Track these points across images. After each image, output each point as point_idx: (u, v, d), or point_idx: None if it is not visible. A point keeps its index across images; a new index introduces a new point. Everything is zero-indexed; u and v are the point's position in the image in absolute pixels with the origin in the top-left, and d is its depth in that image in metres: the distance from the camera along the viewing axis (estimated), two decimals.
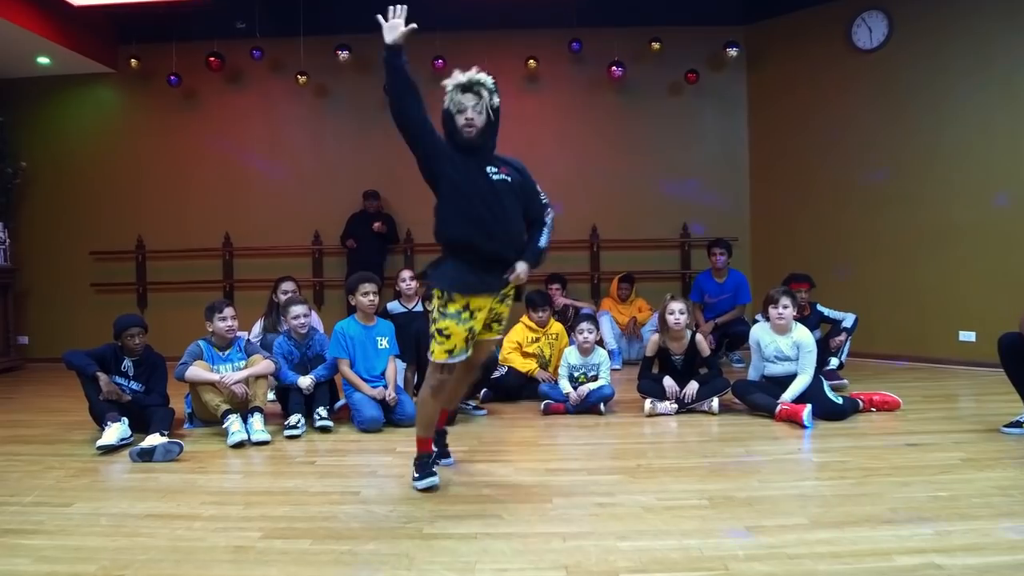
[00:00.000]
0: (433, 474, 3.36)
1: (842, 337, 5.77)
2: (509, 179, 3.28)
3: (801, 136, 7.67)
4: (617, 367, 6.70)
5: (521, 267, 3.23)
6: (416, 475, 3.36)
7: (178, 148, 8.27)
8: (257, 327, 5.75)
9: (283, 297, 5.60)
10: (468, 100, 3.18)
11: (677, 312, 4.94)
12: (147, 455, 3.95)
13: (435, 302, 3.29)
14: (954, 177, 6.63)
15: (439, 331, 3.23)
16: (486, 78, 3.19)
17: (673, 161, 8.06)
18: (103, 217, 8.26)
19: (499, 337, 3.56)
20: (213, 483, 3.58)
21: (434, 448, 3.51)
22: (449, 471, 3.67)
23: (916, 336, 6.90)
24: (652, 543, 2.70)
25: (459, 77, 3.18)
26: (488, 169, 3.25)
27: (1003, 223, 6.35)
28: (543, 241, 3.37)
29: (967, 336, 6.63)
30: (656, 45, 7.75)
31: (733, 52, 7.73)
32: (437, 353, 3.24)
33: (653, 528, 2.85)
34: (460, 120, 3.20)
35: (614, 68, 7.72)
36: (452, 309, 3.21)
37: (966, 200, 6.56)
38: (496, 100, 3.22)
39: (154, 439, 4.05)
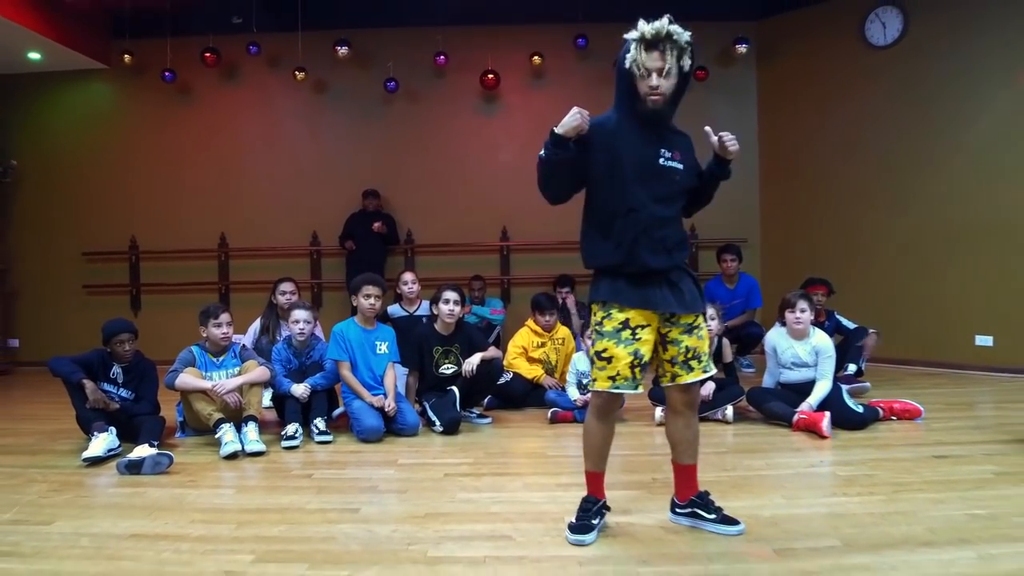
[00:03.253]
0: (590, 528, 2.74)
1: (869, 340, 5.62)
2: (682, 167, 2.75)
3: (813, 134, 7.48)
4: None
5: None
6: (572, 521, 2.79)
7: (173, 146, 8.08)
8: (253, 330, 5.54)
9: (281, 298, 5.40)
10: (654, 61, 2.55)
11: (708, 318, 4.73)
12: (135, 467, 3.74)
13: (593, 320, 2.78)
14: (973, 178, 6.44)
15: (597, 354, 2.71)
16: (680, 31, 2.55)
17: None
18: (96, 217, 8.07)
19: (706, 374, 2.82)
20: (203, 499, 3.37)
21: (603, 497, 2.86)
22: (455, 487, 3.47)
23: (933, 340, 6.70)
24: (675, 568, 2.50)
25: (644, 28, 2.54)
26: (662, 151, 2.70)
27: (1021, 225, 6.15)
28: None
29: (984, 340, 6.44)
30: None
31: (743, 48, 7.54)
32: (599, 381, 2.70)
33: (676, 551, 2.64)
34: (644, 87, 2.59)
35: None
36: (609, 327, 2.69)
37: (984, 201, 6.37)
38: (688, 61, 2.60)
39: (142, 450, 3.85)
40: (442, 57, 7.67)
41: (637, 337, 2.66)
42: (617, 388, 2.67)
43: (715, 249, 7.23)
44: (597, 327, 2.73)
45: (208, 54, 7.62)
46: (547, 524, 2.92)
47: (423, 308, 5.76)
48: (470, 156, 8.01)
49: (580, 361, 4.98)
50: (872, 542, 2.68)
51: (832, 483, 3.48)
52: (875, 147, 7.03)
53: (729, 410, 4.71)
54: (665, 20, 2.55)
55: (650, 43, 2.55)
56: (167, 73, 7.71)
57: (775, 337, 4.83)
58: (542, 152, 2.66)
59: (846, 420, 4.41)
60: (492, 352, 4.88)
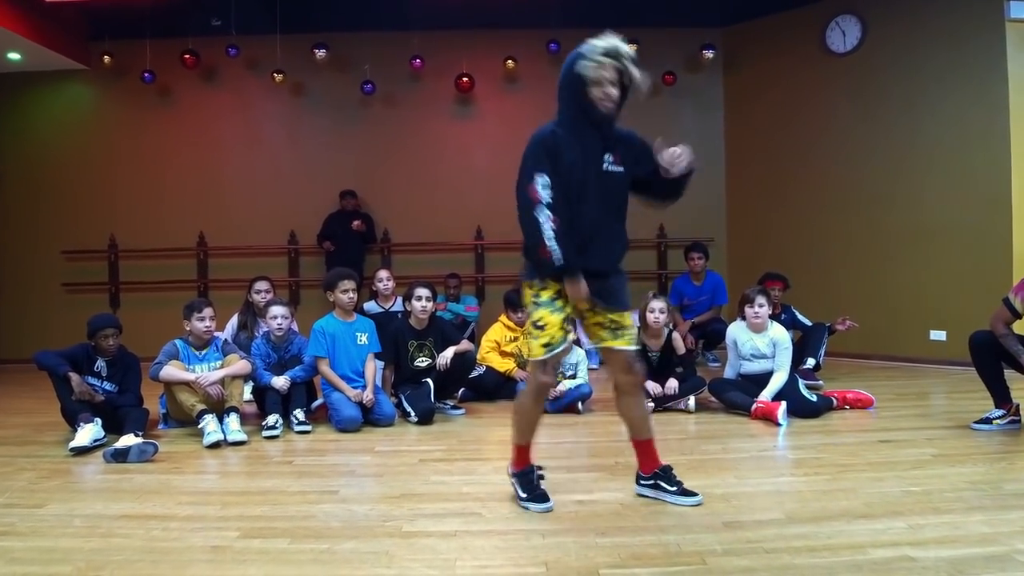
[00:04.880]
0: (545, 497, 3.04)
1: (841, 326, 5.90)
2: (623, 169, 2.96)
3: (776, 138, 7.76)
4: (594, 366, 6.70)
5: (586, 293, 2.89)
6: (522, 495, 3.07)
7: (152, 146, 8.19)
8: (230, 325, 5.69)
9: (257, 297, 5.55)
10: (611, 73, 2.80)
11: (657, 311, 4.99)
12: (121, 456, 3.89)
13: (527, 296, 3.01)
14: (927, 178, 6.74)
15: (534, 324, 2.95)
16: (627, 48, 2.84)
17: None
18: (75, 216, 8.16)
19: (631, 348, 3.06)
20: (189, 483, 3.54)
21: (533, 463, 3.15)
22: (428, 471, 3.67)
23: (889, 335, 6.99)
24: (631, 539, 2.71)
25: (601, 44, 2.81)
26: (605, 157, 2.91)
27: (974, 224, 6.46)
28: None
29: (938, 335, 6.74)
30: (633, 46, 7.72)
31: (710, 54, 7.81)
32: (535, 350, 2.95)
33: (632, 524, 2.86)
34: (597, 92, 2.82)
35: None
36: (545, 296, 2.93)
37: (938, 201, 6.67)
38: (635, 72, 2.84)
39: (128, 439, 4.00)
40: (418, 61, 7.84)
41: (565, 306, 2.95)
42: (551, 350, 2.93)
43: (682, 248, 7.48)
44: (534, 299, 2.97)
45: (187, 56, 7.74)
46: (514, 503, 3.12)
47: (398, 304, 5.94)
48: (445, 157, 8.20)
49: None
50: (813, 515, 2.91)
51: (782, 465, 3.73)
52: (834, 150, 7.32)
53: (691, 400, 4.95)
54: (617, 39, 2.83)
55: (607, 56, 2.80)
56: (146, 74, 7.82)
57: (735, 330, 5.07)
58: (551, 247, 2.77)
59: (801, 409, 4.66)
60: (465, 345, 5.08)
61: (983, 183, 6.42)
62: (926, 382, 6.03)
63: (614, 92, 2.82)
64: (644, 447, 3.18)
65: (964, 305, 6.47)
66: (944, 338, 6.69)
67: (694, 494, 3.08)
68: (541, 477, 3.14)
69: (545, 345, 2.94)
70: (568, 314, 2.96)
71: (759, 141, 7.93)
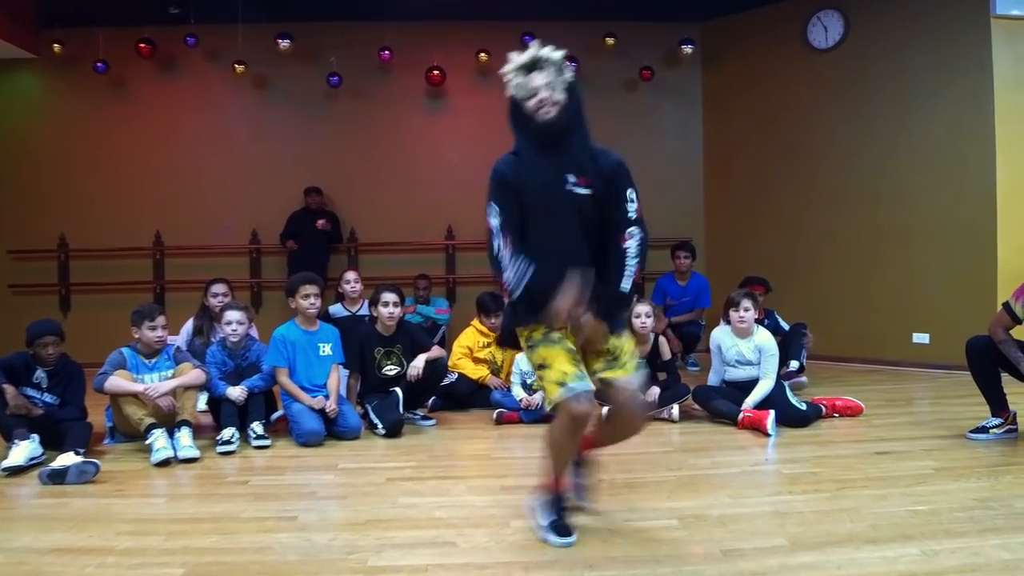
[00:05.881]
0: (570, 532, 2.69)
1: (807, 339, 5.67)
2: (590, 192, 2.65)
3: (756, 135, 7.57)
4: None
5: (586, 319, 2.56)
6: (543, 524, 2.74)
7: (105, 140, 7.76)
8: (185, 330, 5.34)
9: (213, 300, 5.21)
10: (537, 79, 2.59)
11: (643, 315, 4.75)
12: (59, 477, 3.55)
13: (523, 344, 2.72)
14: (911, 177, 6.58)
15: (537, 367, 2.64)
16: (552, 53, 2.63)
17: (627, 159, 7.83)
18: (22, 213, 7.69)
19: (632, 376, 2.73)
20: (132, 509, 3.21)
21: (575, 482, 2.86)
22: (397, 491, 3.37)
23: (872, 338, 6.83)
24: (624, 572, 2.45)
25: (518, 58, 2.63)
26: (567, 177, 2.63)
27: (959, 224, 6.31)
28: (625, 283, 2.64)
29: (921, 338, 6.59)
30: (610, 41, 7.56)
31: (688, 49, 7.60)
32: (550, 392, 2.58)
33: (623, 554, 2.60)
34: (532, 104, 2.59)
35: (567, 63, 7.46)
36: (537, 336, 2.64)
37: (922, 200, 6.51)
38: (569, 75, 2.65)
39: (67, 458, 3.64)
40: (387, 53, 7.54)
41: (564, 338, 2.63)
42: (571, 388, 2.50)
43: (660, 248, 7.27)
44: (528, 344, 2.68)
45: (143, 45, 7.35)
46: (491, 529, 2.85)
47: (365, 307, 5.64)
48: (415, 153, 7.89)
49: (523, 360, 4.92)
50: (818, 540, 2.68)
51: (777, 481, 3.50)
52: (816, 148, 7.15)
53: (675, 409, 4.71)
54: (536, 46, 2.64)
55: (527, 68, 2.61)
56: (99, 64, 7.42)
57: (720, 335, 4.85)
58: (507, 280, 2.60)
59: (790, 418, 4.44)
60: (436, 352, 4.78)
61: (967, 181, 6.27)
62: (912, 386, 5.87)
63: (546, 94, 2.58)
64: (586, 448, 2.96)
65: (948, 307, 6.33)
66: (927, 341, 6.55)
67: (568, 534, 2.70)
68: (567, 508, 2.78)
69: (559, 383, 2.53)
70: (568, 343, 2.61)
71: (739, 139, 7.73)
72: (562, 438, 2.65)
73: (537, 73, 2.60)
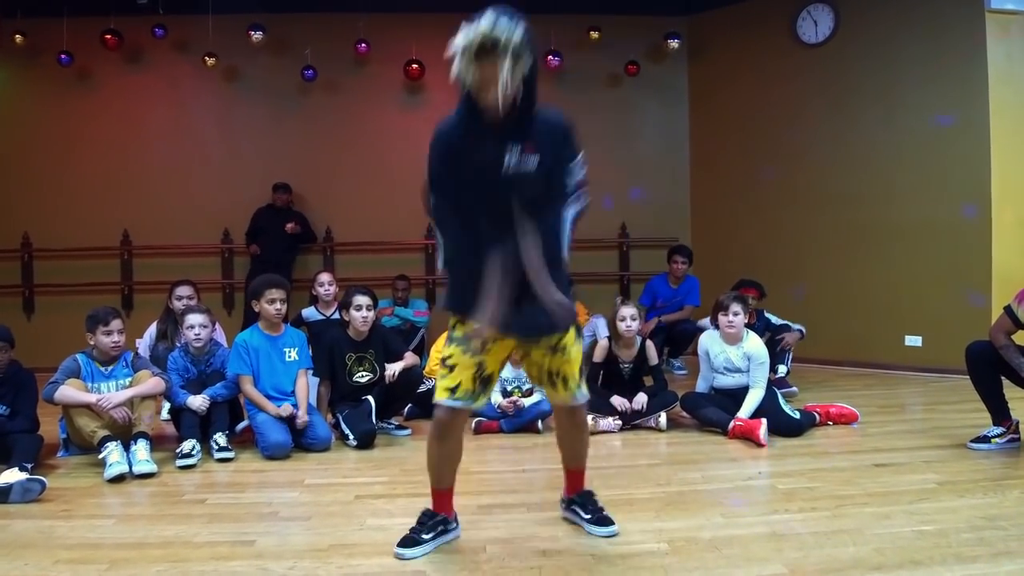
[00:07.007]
0: (418, 543, 2.61)
1: (790, 337, 5.47)
2: (535, 163, 2.39)
3: (744, 131, 7.37)
4: None
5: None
6: (409, 530, 2.67)
7: (71, 135, 7.45)
8: (148, 335, 5.07)
9: (178, 303, 4.94)
10: (490, 71, 2.19)
11: (629, 319, 4.52)
12: (2, 495, 3.28)
13: (448, 328, 2.62)
14: (902, 174, 6.41)
15: (442, 360, 2.55)
16: (511, 31, 2.17)
17: (611, 156, 7.60)
18: None
19: (577, 403, 2.67)
20: (76, 532, 2.94)
21: (452, 512, 2.77)
22: (365, 511, 3.14)
23: (863, 341, 6.65)
24: None
25: (468, 34, 2.19)
26: (507, 156, 2.38)
27: (952, 223, 6.13)
28: (564, 251, 2.49)
29: (913, 341, 6.42)
30: (595, 34, 7.35)
31: (675, 43, 7.38)
32: (438, 390, 2.53)
33: None
34: (483, 100, 2.27)
35: (550, 57, 7.26)
36: (459, 332, 2.52)
37: (914, 198, 6.33)
38: (529, 61, 2.24)
39: (11, 475, 3.38)
40: (363, 45, 7.28)
41: (487, 349, 2.49)
42: (455, 401, 2.50)
43: (645, 248, 7.11)
44: (449, 332, 2.58)
45: (109, 36, 7.04)
46: (466, 555, 2.63)
47: (339, 312, 5.38)
48: (393, 149, 7.61)
49: (506, 369, 4.69)
50: (819, 567, 2.48)
51: (772, 498, 3.28)
52: (805, 145, 6.96)
53: (663, 417, 4.50)
54: (492, 17, 2.18)
55: (479, 52, 2.20)
56: (63, 56, 7.10)
57: (708, 341, 4.64)
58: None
59: (783, 426, 4.25)
60: (411, 359, 4.54)
61: (961, 179, 6.10)
62: (905, 391, 5.70)
63: (499, 92, 2.21)
64: (571, 476, 2.92)
65: (940, 309, 6.16)
66: (919, 343, 6.37)
67: (610, 523, 2.77)
68: (438, 530, 2.70)
69: (448, 390, 2.50)
70: (484, 360, 2.50)
71: (726, 135, 7.53)
72: (429, 441, 2.65)
73: (489, 63, 2.19)
